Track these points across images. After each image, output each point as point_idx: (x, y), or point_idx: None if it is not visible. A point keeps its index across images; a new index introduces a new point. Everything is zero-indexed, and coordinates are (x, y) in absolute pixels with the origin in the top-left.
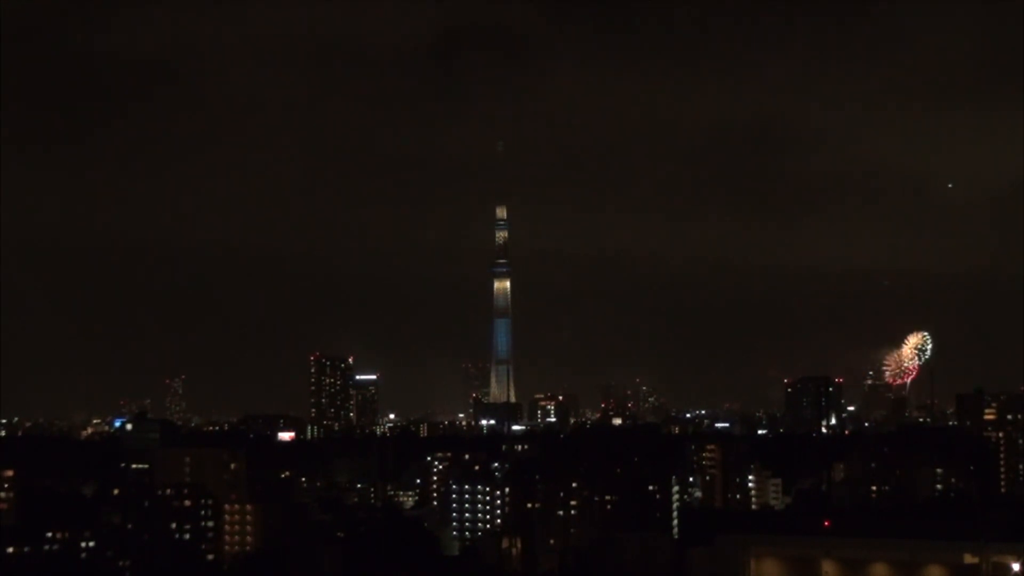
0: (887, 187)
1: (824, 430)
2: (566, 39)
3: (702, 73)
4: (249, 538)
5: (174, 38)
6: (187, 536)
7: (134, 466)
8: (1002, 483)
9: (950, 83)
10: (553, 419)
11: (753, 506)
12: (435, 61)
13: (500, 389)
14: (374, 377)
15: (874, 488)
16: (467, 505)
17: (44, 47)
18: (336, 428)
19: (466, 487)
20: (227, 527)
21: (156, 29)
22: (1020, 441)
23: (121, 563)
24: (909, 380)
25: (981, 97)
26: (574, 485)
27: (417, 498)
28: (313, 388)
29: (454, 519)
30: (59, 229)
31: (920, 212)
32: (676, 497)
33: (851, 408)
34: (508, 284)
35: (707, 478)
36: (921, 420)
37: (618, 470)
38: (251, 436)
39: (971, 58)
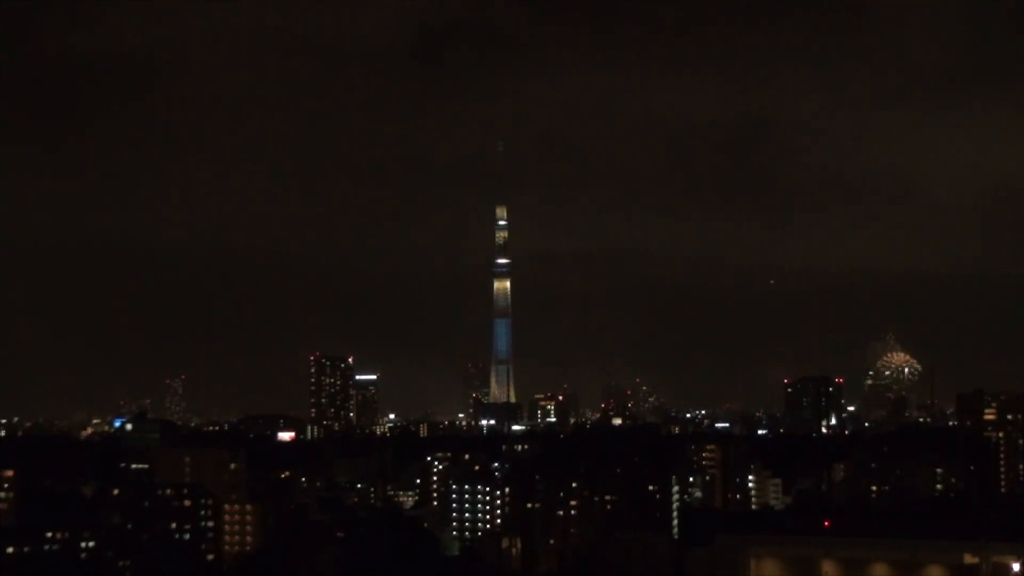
0: (887, 188)
1: (824, 430)
2: (566, 41)
3: (702, 74)
4: (249, 538)
5: (173, 37)
6: (187, 536)
7: (134, 466)
8: (1002, 483)
9: (943, 84)
10: (553, 419)
11: (753, 506)
12: (435, 62)
13: (500, 389)
14: (374, 377)
15: (874, 488)
16: (467, 505)
17: (25, 47)
18: (336, 428)
19: (466, 487)
20: (227, 527)
21: (156, 28)
22: (1020, 441)
23: (121, 563)
24: None
25: (973, 98)
26: (574, 485)
27: (417, 498)
28: (313, 388)
29: (454, 519)
30: (59, 229)
31: (920, 212)
32: (676, 497)
33: (851, 408)
34: (508, 284)
35: (707, 478)
36: (921, 420)
37: (618, 470)
38: (251, 436)
39: (961, 60)
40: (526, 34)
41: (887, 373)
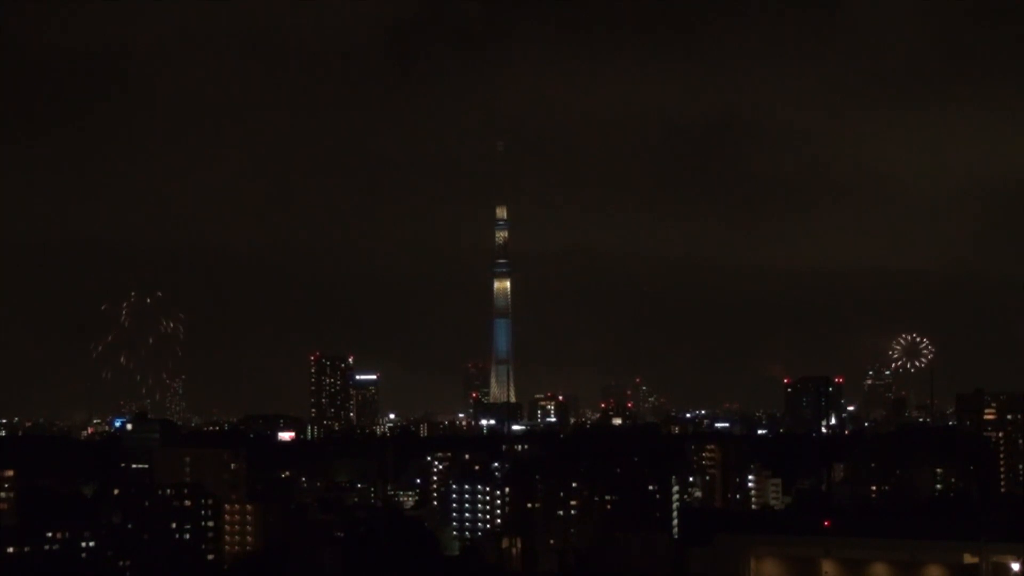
0: (885, 187)
1: (824, 430)
2: (553, 40)
3: (701, 75)
4: (249, 538)
5: (169, 35)
6: (187, 536)
7: (134, 466)
8: (1002, 483)
9: (934, 82)
10: (553, 419)
11: (753, 506)
12: (430, 62)
13: (500, 389)
14: (374, 377)
15: (874, 488)
16: (467, 505)
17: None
18: (336, 428)
19: (466, 487)
20: (227, 527)
21: (154, 25)
22: (1020, 441)
23: (121, 563)
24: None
25: (965, 96)
26: (574, 485)
27: (417, 498)
28: (313, 388)
29: (454, 519)
30: (58, 228)
31: (919, 211)
32: (676, 497)
33: (851, 408)
34: (508, 284)
35: (707, 478)
36: (921, 420)
37: (618, 470)
38: (251, 436)
39: (948, 57)
40: (525, 36)
41: (887, 373)
